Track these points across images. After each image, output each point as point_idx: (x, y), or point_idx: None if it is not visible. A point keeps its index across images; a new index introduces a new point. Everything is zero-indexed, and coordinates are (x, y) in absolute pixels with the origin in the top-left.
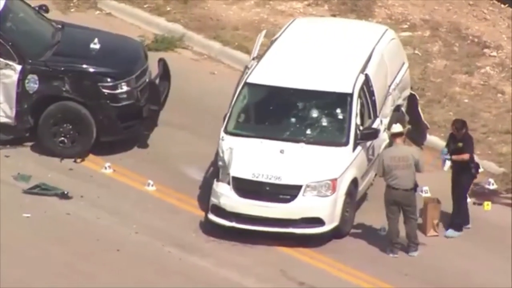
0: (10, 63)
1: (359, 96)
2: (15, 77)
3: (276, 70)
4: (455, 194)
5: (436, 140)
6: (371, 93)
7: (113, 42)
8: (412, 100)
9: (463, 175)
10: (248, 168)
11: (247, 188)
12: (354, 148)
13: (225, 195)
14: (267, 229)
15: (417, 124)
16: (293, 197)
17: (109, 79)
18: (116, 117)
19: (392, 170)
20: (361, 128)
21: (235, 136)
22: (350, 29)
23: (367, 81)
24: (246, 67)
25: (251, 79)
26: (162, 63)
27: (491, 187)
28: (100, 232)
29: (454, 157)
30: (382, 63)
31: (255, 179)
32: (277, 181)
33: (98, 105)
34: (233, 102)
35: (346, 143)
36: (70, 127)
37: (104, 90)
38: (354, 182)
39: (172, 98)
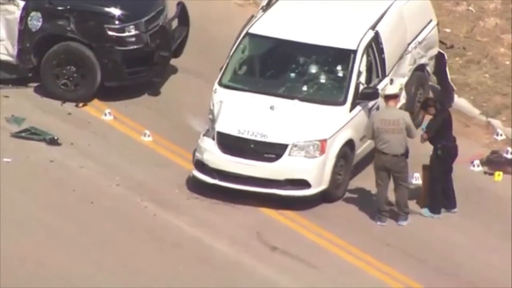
0: None
1: (367, 54)
2: (17, 13)
3: (281, 22)
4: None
5: (464, 103)
6: (380, 51)
7: None
8: (440, 60)
9: (432, 155)
10: (234, 124)
11: (232, 144)
12: (352, 108)
13: (209, 151)
14: (251, 189)
15: (444, 85)
16: (278, 156)
17: (116, 21)
18: (121, 61)
19: (381, 133)
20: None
21: (228, 89)
22: None
23: (376, 38)
24: (252, 16)
25: (253, 30)
26: (180, 7)
27: (509, 156)
28: (79, 182)
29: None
30: (400, 19)
31: (240, 135)
32: (262, 139)
33: (103, 47)
34: (231, 53)
35: (343, 102)
36: (74, 69)
37: (110, 32)
38: (350, 144)
39: (200, 44)
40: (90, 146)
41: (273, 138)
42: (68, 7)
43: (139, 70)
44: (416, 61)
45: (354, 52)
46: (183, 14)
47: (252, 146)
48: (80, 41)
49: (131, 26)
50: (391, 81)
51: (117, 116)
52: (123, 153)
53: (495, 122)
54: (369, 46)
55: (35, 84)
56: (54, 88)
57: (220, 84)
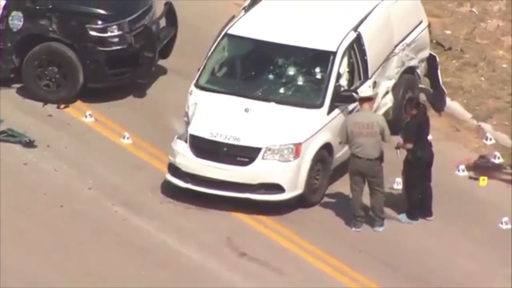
0: None
1: (349, 55)
2: None
3: (261, 23)
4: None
5: (456, 106)
6: (363, 53)
7: None
8: (431, 62)
9: (404, 160)
10: (207, 126)
11: (204, 147)
12: (330, 111)
13: (182, 154)
14: (224, 193)
15: (436, 88)
16: (251, 160)
17: (98, 21)
18: (104, 62)
19: (355, 137)
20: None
21: (204, 90)
22: None
23: (358, 40)
24: (233, 17)
25: (232, 30)
26: (168, 7)
27: (496, 160)
28: (51, 186)
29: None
30: (386, 20)
31: (212, 138)
32: (235, 142)
33: (85, 48)
34: (209, 54)
35: (320, 105)
36: (56, 70)
37: (92, 33)
38: (328, 148)
39: (195, 45)
40: (67, 149)
41: (246, 141)
42: (50, 6)
43: (122, 71)
44: (405, 63)
45: (334, 54)
46: (170, 14)
47: (225, 149)
48: (62, 42)
49: (114, 26)
50: (375, 84)
51: (99, 118)
52: (100, 156)
53: (486, 126)
54: (350, 47)
55: (18, 85)
56: (35, 89)
57: (197, 85)
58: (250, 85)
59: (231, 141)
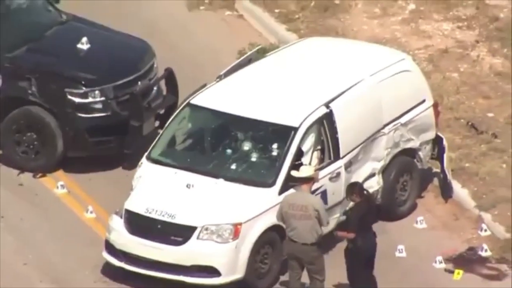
0: None
1: (318, 132)
2: None
3: (227, 94)
4: None
5: (464, 194)
6: (334, 130)
7: (109, 44)
8: (438, 145)
9: (345, 248)
10: (144, 202)
11: (139, 224)
12: (282, 191)
13: (116, 230)
14: (157, 275)
15: (442, 173)
16: (186, 239)
17: (79, 85)
18: (85, 130)
19: (289, 219)
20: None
21: (154, 163)
22: (355, 55)
23: (329, 116)
24: (204, 85)
25: (195, 100)
26: (167, 73)
27: (483, 253)
28: None
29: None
30: (369, 98)
31: (147, 214)
32: (170, 220)
33: (65, 114)
34: (167, 124)
35: (271, 184)
36: (34, 136)
37: (71, 97)
38: (278, 231)
39: None
40: (22, 221)
41: (181, 219)
42: (30, 68)
43: (105, 140)
44: (400, 144)
45: (295, 129)
46: (171, 81)
47: (159, 227)
48: (41, 106)
49: (96, 92)
50: (349, 164)
51: (73, 189)
52: (54, 230)
53: (486, 216)
54: (319, 124)
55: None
56: (13, 155)
57: (148, 157)
58: (200, 160)
59: (166, 218)
